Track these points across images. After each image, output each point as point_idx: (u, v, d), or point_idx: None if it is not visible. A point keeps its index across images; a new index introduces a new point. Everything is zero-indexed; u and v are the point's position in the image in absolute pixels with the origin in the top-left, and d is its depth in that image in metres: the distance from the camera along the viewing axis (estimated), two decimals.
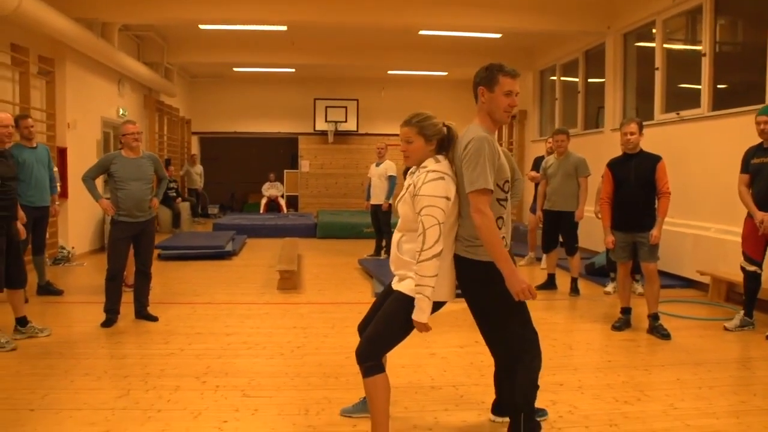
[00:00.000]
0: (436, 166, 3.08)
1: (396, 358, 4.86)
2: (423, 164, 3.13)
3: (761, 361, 5.03)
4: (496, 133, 6.65)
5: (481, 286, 3.12)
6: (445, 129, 3.18)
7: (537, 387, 3.27)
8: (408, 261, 3.09)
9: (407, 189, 3.13)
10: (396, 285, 3.19)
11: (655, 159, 5.61)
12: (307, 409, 3.86)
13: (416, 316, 3.01)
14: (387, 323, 3.12)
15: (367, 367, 3.13)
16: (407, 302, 3.05)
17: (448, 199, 3.02)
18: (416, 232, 3.04)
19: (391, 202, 9.74)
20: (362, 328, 3.37)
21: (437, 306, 3.15)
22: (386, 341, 3.17)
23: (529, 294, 2.98)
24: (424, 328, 3.03)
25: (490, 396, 3.76)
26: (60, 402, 3.92)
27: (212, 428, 3.56)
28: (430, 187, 3.00)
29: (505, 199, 3.16)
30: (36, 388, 4.17)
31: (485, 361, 4.46)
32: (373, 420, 3.17)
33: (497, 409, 3.66)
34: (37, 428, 3.52)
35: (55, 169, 7.27)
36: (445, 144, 3.18)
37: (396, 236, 3.22)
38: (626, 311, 5.87)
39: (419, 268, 2.96)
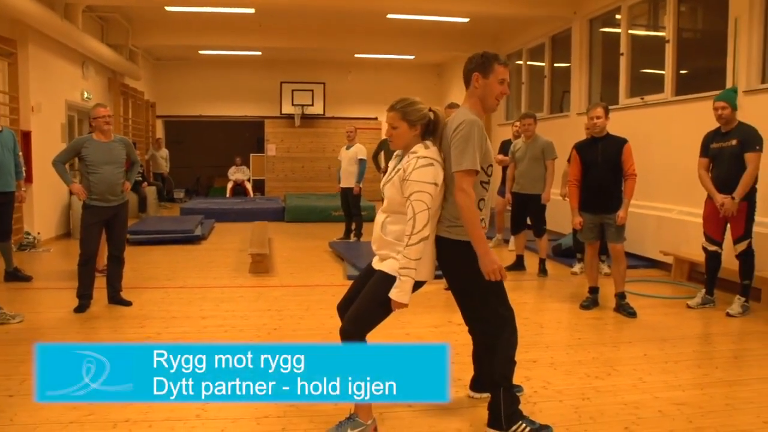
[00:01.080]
0: (425, 152, 3.15)
1: (370, 338, 4.95)
2: (413, 149, 3.18)
3: (722, 336, 5.25)
4: None
5: (463, 265, 3.22)
6: (431, 114, 3.25)
7: (515, 362, 3.39)
8: (391, 242, 3.16)
9: (396, 172, 3.18)
10: (378, 265, 3.25)
11: (622, 142, 5.76)
12: None
13: (397, 296, 3.08)
14: (370, 302, 3.18)
15: None
16: (390, 282, 3.12)
17: (436, 185, 3.10)
18: (402, 215, 3.12)
19: (361, 185, 9.80)
20: (341, 309, 3.42)
21: (417, 285, 3.22)
22: (370, 320, 3.23)
23: (500, 275, 3.10)
24: (403, 306, 3.12)
25: (467, 373, 3.86)
26: None
27: (195, 409, 3.58)
28: (421, 173, 3.08)
29: (488, 182, 3.27)
30: (12, 374, 4.15)
31: (459, 340, 4.56)
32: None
33: (476, 385, 3.77)
34: (18, 413, 3.53)
35: (20, 153, 7.15)
36: (431, 129, 3.24)
37: (380, 217, 3.27)
38: (594, 290, 6.04)
39: (407, 251, 3.05)
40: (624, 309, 5.75)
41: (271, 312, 5.85)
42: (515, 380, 3.98)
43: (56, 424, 3.38)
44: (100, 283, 6.04)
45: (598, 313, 5.84)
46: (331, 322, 5.16)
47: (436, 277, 3.36)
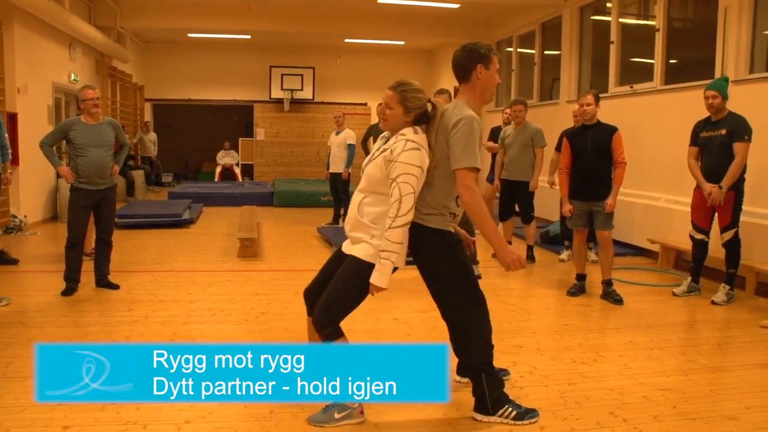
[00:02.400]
0: (414, 136, 3.12)
1: (359, 323, 4.95)
2: (401, 132, 3.15)
3: (706, 324, 5.30)
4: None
5: (435, 254, 3.24)
6: (429, 105, 3.21)
7: (492, 346, 3.41)
8: (367, 224, 3.12)
9: (381, 152, 3.15)
10: (349, 249, 3.20)
11: (612, 130, 5.78)
12: None
13: (377, 280, 3.05)
14: (343, 288, 3.16)
15: (327, 333, 3.15)
16: (363, 267, 3.10)
17: (422, 169, 3.08)
18: (380, 195, 3.11)
19: (350, 170, 9.79)
20: (308, 294, 3.39)
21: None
22: (343, 306, 3.21)
23: (520, 264, 3.12)
24: (381, 290, 3.09)
25: (453, 359, 3.88)
26: (26, 370, 3.88)
27: None
28: (409, 155, 3.05)
29: None
30: None
31: None
32: None
33: (461, 370, 3.79)
34: (5, 396, 3.52)
35: (6, 135, 7.07)
36: (424, 119, 3.21)
37: (357, 197, 3.21)
38: (581, 277, 6.07)
39: (390, 234, 3.02)
40: (611, 296, 5.79)
41: (258, 296, 5.85)
42: (502, 365, 4.03)
43: (43, 406, 3.34)
44: (88, 267, 6.01)
45: (585, 300, 5.89)
46: None
47: (410, 263, 3.34)
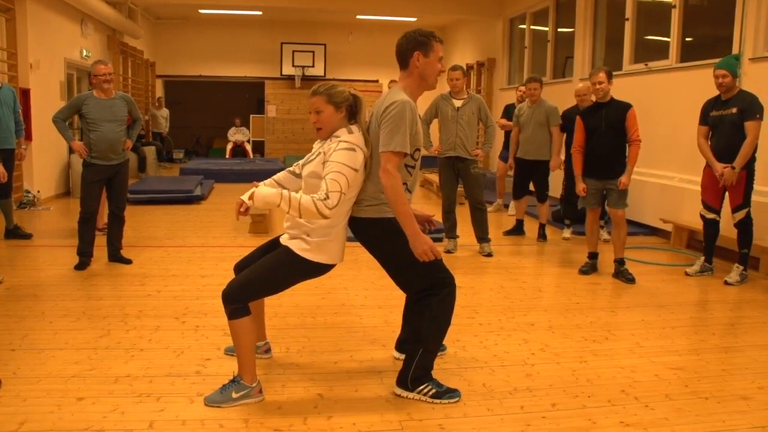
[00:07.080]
0: (349, 137, 3.11)
1: (371, 300, 5.01)
2: (336, 134, 3.15)
3: (719, 304, 5.27)
4: (464, 81, 6.71)
5: (385, 242, 3.21)
6: (351, 98, 3.21)
7: (448, 325, 3.32)
8: (302, 223, 3.13)
9: (317, 155, 3.15)
10: (285, 241, 3.22)
11: (626, 107, 5.71)
12: (287, 347, 3.97)
13: (256, 195, 3.04)
14: (266, 273, 3.15)
15: (233, 309, 3.11)
16: (293, 258, 3.11)
17: (356, 170, 3.06)
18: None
19: None
20: (238, 268, 3.40)
21: (325, 269, 3.22)
22: (259, 290, 3.21)
23: (432, 254, 3.05)
24: (245, 206, 3.12)
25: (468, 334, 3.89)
26: (41, 342, 3.95)
27: (195, 365, 3.63)
28: (341, 155, 3.03)
29: (413, 167, 3.22)
30: (14, 329, 4.17)
31: (461, 301, 4.60)
32: (239, 361, 3.20)
33: (401, 346, 3.73)
34: (21, 367, 3.55)
35: (20, 111, 7.08)
36: (353, 112, 3.22)
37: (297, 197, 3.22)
38: (593, 256, 6.05)
39: (305, 201, 2.97)
40: (623, 275, 5.77)
41: None
42: (513, 342, 4.06)
43: (58, 378, 3.41)
44: (101, 242, 6.05)
45: (597, 279, 5.87)
46: (330, 283, 5.21)
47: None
